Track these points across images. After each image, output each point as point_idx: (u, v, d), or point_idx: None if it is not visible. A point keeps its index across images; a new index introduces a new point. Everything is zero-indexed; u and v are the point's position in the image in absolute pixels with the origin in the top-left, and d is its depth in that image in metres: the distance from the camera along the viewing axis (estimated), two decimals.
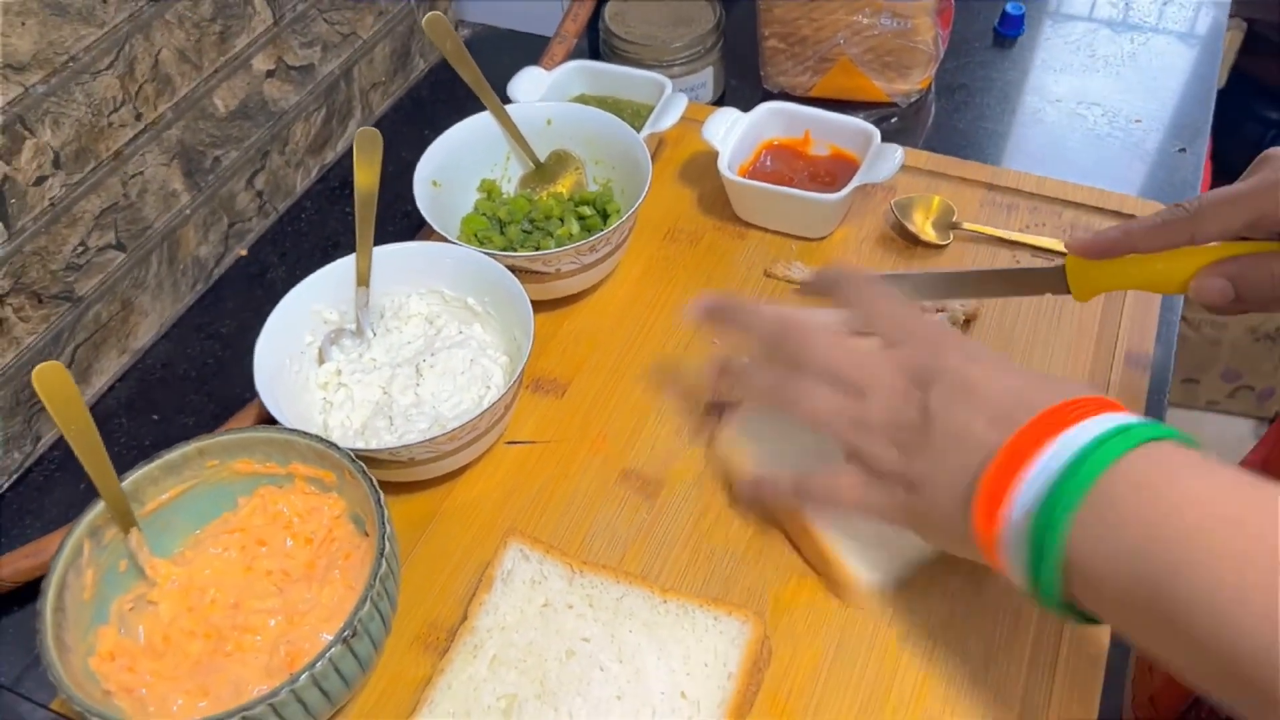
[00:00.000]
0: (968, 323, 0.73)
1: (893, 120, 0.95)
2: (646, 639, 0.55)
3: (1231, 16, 1.40)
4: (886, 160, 0.77)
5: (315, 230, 0.90)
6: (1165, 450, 0.45)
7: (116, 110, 0.72)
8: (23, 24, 0.64)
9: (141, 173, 0.75)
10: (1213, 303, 0.58)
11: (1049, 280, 0.64)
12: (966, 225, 0.79)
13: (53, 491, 0.72)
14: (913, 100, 0.96)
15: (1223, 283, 0.57)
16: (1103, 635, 0.57)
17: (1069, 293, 0.62)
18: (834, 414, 0.55)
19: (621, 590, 0.57)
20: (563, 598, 0.57)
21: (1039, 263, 0.77)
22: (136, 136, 0.74)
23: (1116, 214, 0.80)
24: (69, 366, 0.74)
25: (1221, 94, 1.06)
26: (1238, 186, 0.57)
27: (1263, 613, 0.39)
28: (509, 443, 0.69)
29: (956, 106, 0.97)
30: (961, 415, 0.50)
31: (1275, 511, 0.41)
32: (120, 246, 0.75)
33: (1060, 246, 0.77)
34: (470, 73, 0.78)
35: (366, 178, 0.70)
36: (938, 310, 0.73)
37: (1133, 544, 0.43)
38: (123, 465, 0.57)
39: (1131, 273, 0.60)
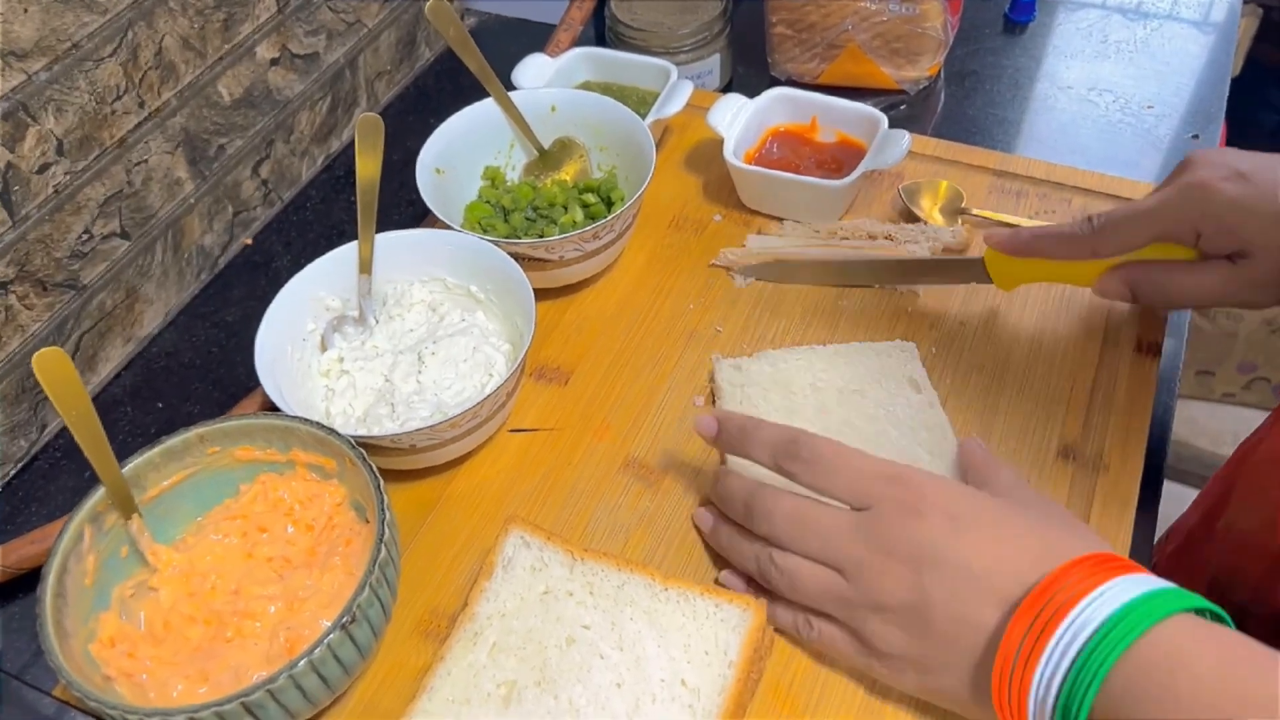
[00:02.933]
0: (960, 252, 0.75)
1: (901, 107, 0.95)
2: (647, 626, 0.55)
3: (1247, 3, 1.38)
4: (893, 146, 0.76)
5: (320, 219, 0.90)
6: (1166, 635, 0.44)
7: (120, 98, 0.72)
8: (25, 11, 0.64)
9: (145, 160, 0.75)
10: (1115, 298, 0.64)
11: (971, 270, 0.68)
12: (975, 211, 0.78)
13: (58, 478, 0.72)
14: (922, 87, 0.95)
15: (1120, 286, 0.63)
16: None
17: (991, 282, 0.68)
18: (820, 593, 0.54)
19: (622, 578, 0.57)
20: (563, 585, 0.57)
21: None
22: (140, 124, 0.74)
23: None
24: (74, 354, 0.74)
25: (1236, 81, 1.05)
26: (1143, 205, 0.60)
27: None
28: (512, 430, 0.68)
29: (966, 93, 0.96)
30: (960, 599, 0.49)
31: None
32: (125, 235, 0.75)
33: None
34: (474, 60, 0.77)
35: (368, 165, 0.69)
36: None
37: None
38: (127, 453, 0.57)
39: (1045, 269, 0.65)
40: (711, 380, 0.69)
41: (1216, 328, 1.73)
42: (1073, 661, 0.44)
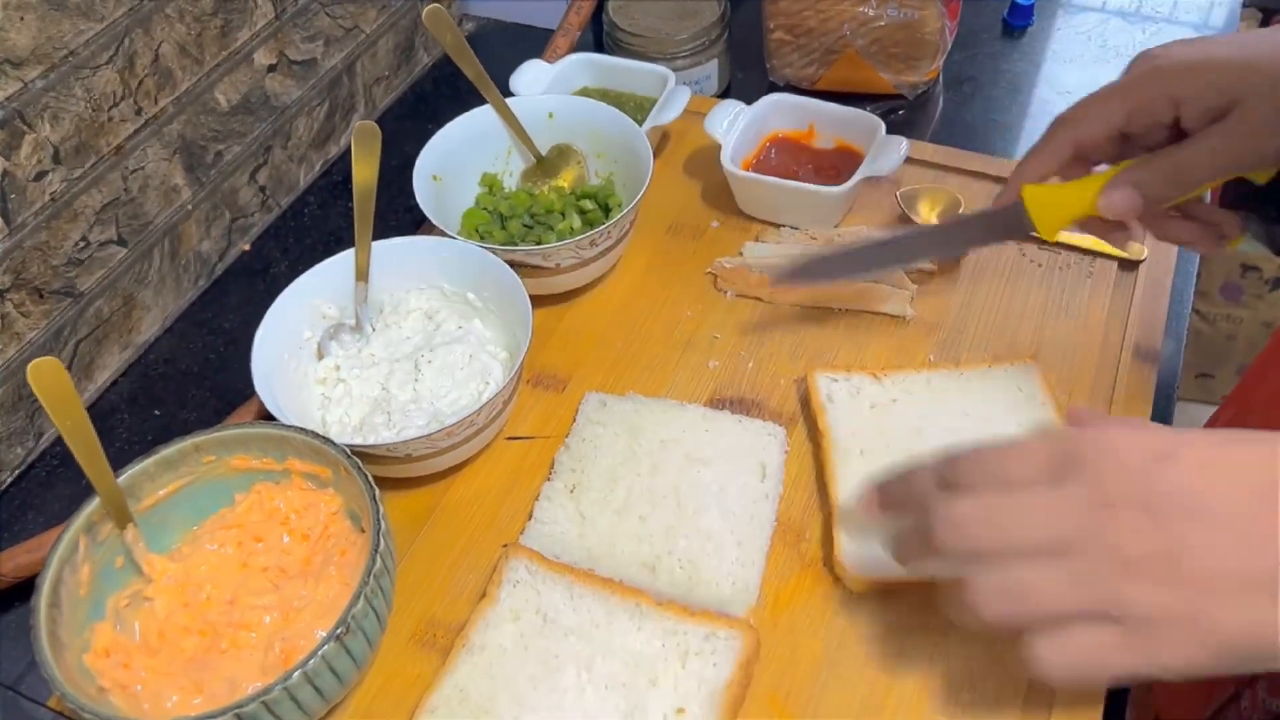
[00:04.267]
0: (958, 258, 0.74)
1: (900, 112, 0.94)
2: (641, 655, 0.55)
3: (1247, 6, 1.38)
4: (891, 152, 0.76)
5: (319, 225, 0.90)
6: None
7: (116, 105, 0.72)
8: (21, 19, 0.64)
9: (142, 168, 0.75)
10: (1123, 212, 0.58)
11: (1013, 221, 0.62)
12: None
13: (55, 487, 0.72)
14: (920, 92, 0.95)
15: (1126, 190, 0.57)
16: None
17: (1035, 231, 0.62)
18: (1057, 587, 0.44)
19: (618, 604, 0.57)
20: (559, 614, 0.57)
21: (1045, 255, 0.76)
22: (137, 131, 0.74)
23: None
24: (71, 362, 0.74)
25: None
26: (1110, 86, 0.58)
27: None
28: (509, 438, 0.68)
29: (965, 98, 0.96)
30: (1215, 522, 0.43)
31: None
32: (122, 242, 0.75)
33: (1069, 240, 0.75)
34: (471, 66, 0.77)
35: (365, 172, 0.69)
36: None
37: None
38: (124, 460, 0.57)
39: (1079, 201, 0.60)
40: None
41: (1216, 330, 1.73)
42: None
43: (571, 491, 0.64)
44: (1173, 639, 0.43)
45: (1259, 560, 0.41)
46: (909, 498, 0.51)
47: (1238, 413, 0.74)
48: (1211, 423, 0.78)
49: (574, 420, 0.68)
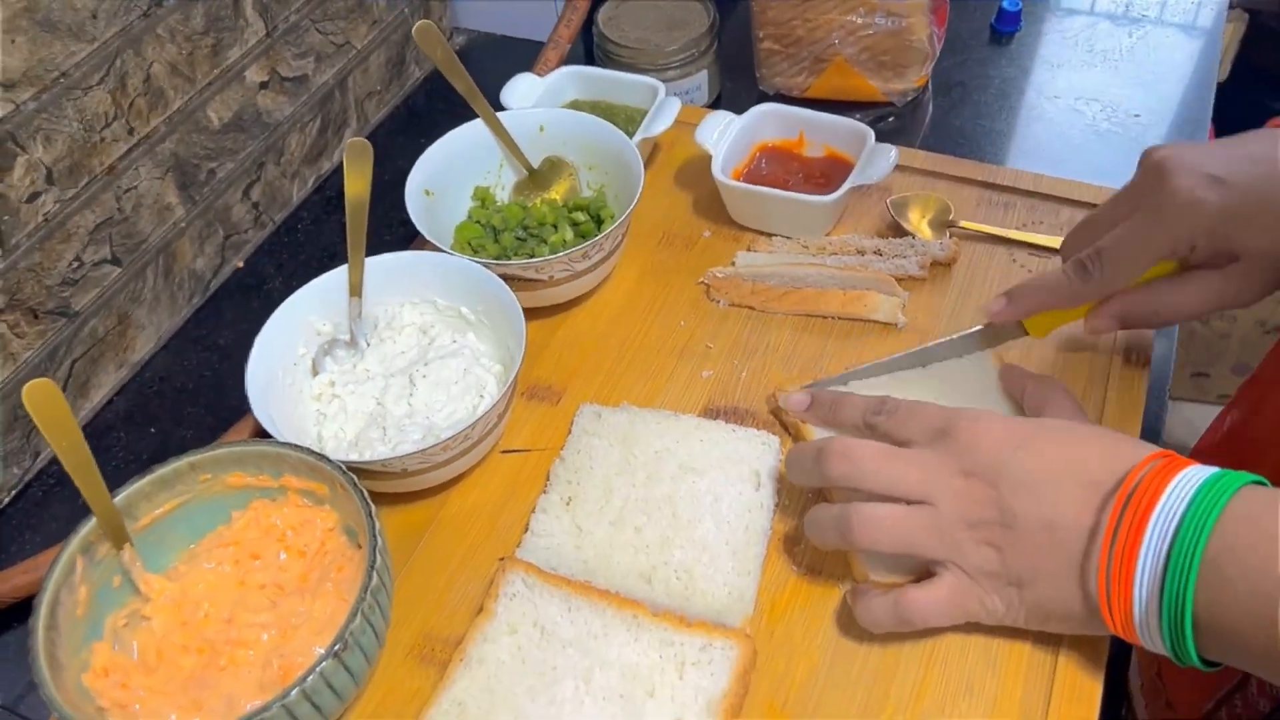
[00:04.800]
0: (949, 265, 0.76)
1: (890, 119, 0.95)
2: (640, 664, 0.55)
3: (1234, 7, 1.39)
4: (880, 160, 0.76)
5: (312, 241, 0.90)
6: (1255, 496, 0.47)
7: (109, 125, 0.72)
8: (13, 42, 0.64)
9: (135, 187, 0.75)
10: (1104, 333, 0.66)
11: (1010, 332, 0.68)
12: (963, 223, 0.78)
13: (52, 507, 0.72)
14: (910, 99, 0.95)
15: (1110, 322, 0.64)
16: (1102, 642, 0.57)
17: (1026, 334, 0.68)
18: (912, 529, 0.54)
19: (615, 616, 0.57)
20: (556, 627, 0.57)
21: (1035, 260, 0.76)
22: (130, 151, 0.74)
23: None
24: (66, 381, 0.74)
25: (1225, 85, 1.05)
26: (1133, 234, 0.59)
27: None
28: (504, 451, 0.68)
29: (954, 104, 0.96)
30: (1043, 504, 0.52)
31: None
32: (116, 261, 0.75)
33: (1055, 243, 0.76)
34: (462, 81, 0.78)
35: (357, 188, 0.70)
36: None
37: (1252, 592, 0.45)
38: (121, 479, 0.57)
39: (1065, 314, 0.66)
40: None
41: (1210, 330, 1.73)
42: (1172, 540, 0.47)
43: (567, 504, 0.64)
44: (997, 590, 0.54)
45: (1069, 542, 0.51)
46: (832, 419, 0.63)
47: (1246, 414, 0.75)
48: (1217, 424, 0.78)
49: (569, 432, 0.68)
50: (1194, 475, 0.48)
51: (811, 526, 0.58)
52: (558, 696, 0.54)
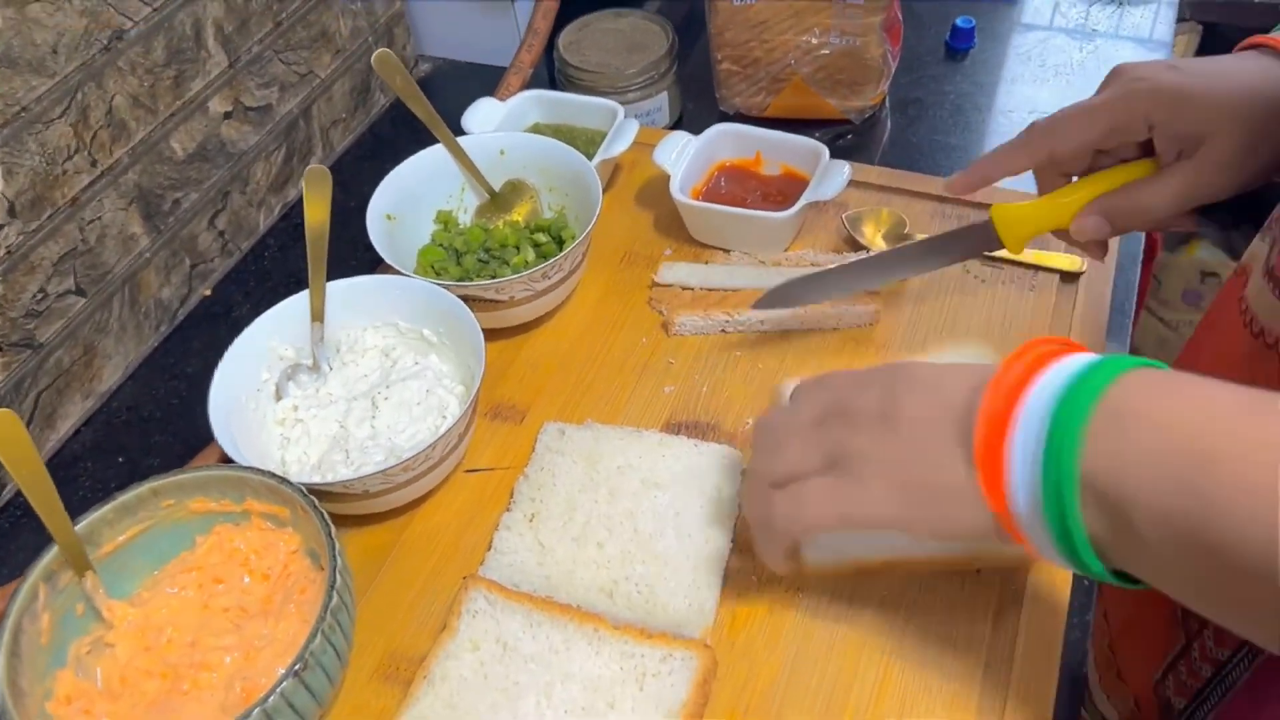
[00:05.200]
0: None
1: (849, 137, 0.97)
2: (600, 678, 0.56)
3: (1187, 20, 1.42)
4: (834, 177, 0.78)
5: (279, 268, 0.91)
6: (1155, 370, 0.43)
7: (71, 158, 0.73)
8: None
9: (99, 218, 0.76)
10: (1094, 236, 0.63)
11: (980, 238, 0.67)
12: (918, 236, 0.80)
13: (18, 537, 0.72)
14: (867, 116, 0.97)
15: (1097, 221, 0.63)
16: (1057, 636, 0.58)
17: (1001, 246, 0.67)
18: (796, 445, 0.52)
19: (576, 630, 0.58)
20: (518, 642, 0.58)
21: (989, 270, 0.78)
22: (93, 182, 0.75)
23: None
24: (32, 413, 0.74)
25: None
26: (1090, 100, 0.61)
27: None
28: (467, 471, 0.69)
29: (910, 121, 0.98)
30: (930, 394, 0.49)
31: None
32: (80, 292, 0.76)
33: (1010, 255, 0.77)
34: (421, 108, 0.79)
35: (317, 214, 0.70)
36: None
37: (1153, 449, 0.40)
38: (88, 509, 0.58)
39: (1044, 215, 0.65)
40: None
41: (1179, 336, 1.76)
42: (1058, 399, 0.42)
43: (530, 521, 0.65)
44: (870, 481, 0.49)
45: (949, 413, 0.47)
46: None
47: None
48: None
49: (533, 450, 0.69)
50: (1081, 356, 0.45)
51: (761, 553, 0.56)
52: (520, 711, 0.55)
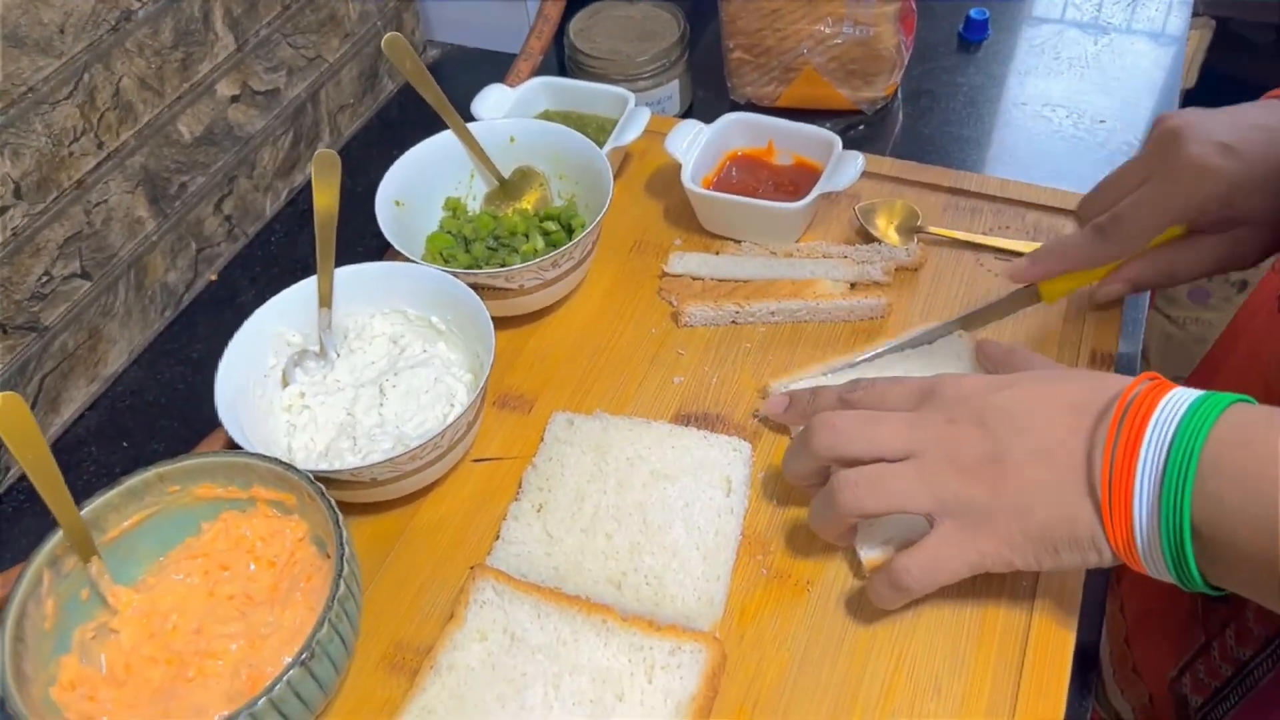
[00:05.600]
0: (916, 270, 0.77)
1: (860, 128, 0.96)
2: (609, 670, 0.55)
3: (1200, 15, 1.41)
4: (847, 168, 0.77)
5: (286, 254, 0.90)
6: (1246, 409, 0.48)
7: (77, 139, 0.72)
8: None
9: (105, 201, 0.76)
10: (1115, 298, 0.69)
11: (1023, 299, 0.71)
12: (931, 229, 0.79)
13: (22, 522, 0.72)
14: (879, 107, 0.96)
15: (1124, 286, 0.68)
16: (1069, 635, 0.57)
17: (1039, 300, 0.71)
18: (893, 484, 0.54)
19: (585, 621, 0.57)
20: (526, 633, 0.57)
21: (1001, 264, 0.77)
22: (99, 165, 0.74)
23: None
24: (37, 396, 0.74)
25: (1192, 92, 1.07)
26: (1148, 200, 0.61)
27: None
28: (475, 460, 0.69)
29: (922, 112, 0.97)
30: (1033, 432, 0.52)
31: None
32: (86, 275, 0.75)
33: (1022, 247, 0.77)
34: (431, 93, 0.78)
35: (325, 199, 0.70)
36: None
37: (1249, 497, 0.44)
38: (92, 494, 0.57)
39: (1078, 278, 0.69)
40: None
41: (1186, 334, 1.75)
42: (1168, 449, 0.47)
43: (539, 511, 0.64)
44: (995, 529, 0.52)
45: (1068, 462, 0.50)
46: (812, 409, 0.62)
47: (1202, 382, 0.76)
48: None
49: (541, 440, 0.68)
50: (1185, 394, 0.49)
51: (812, 517, 0.59)
52: (527, 702, 0.54)
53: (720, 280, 0.77)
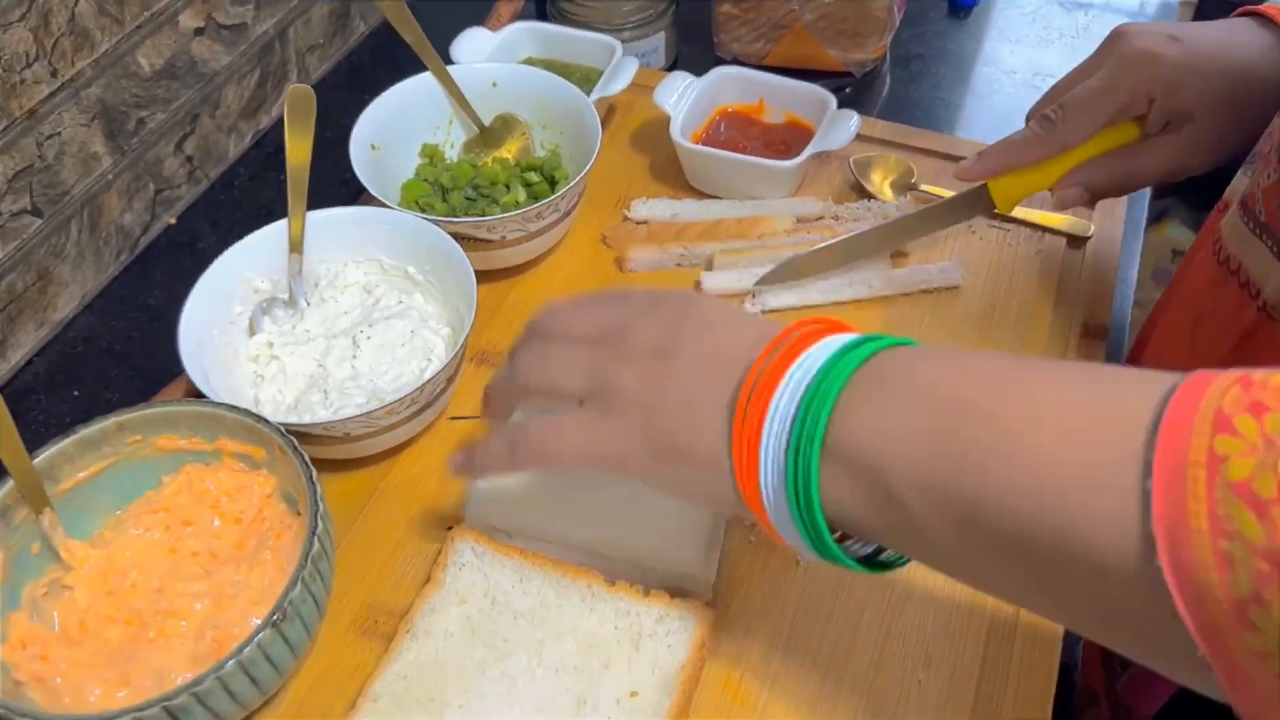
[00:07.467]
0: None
1: (847, 90, 0.94)
2: (594, 638, 0.53)
3: None
4: (842, 127, 0.75)
5: (249, 199, 0.86)
6: (921, 346, 0.43)
7: (29, 66, 0.67)
8: None
9: (59, 133, 0.71)
10: (1073, 205, 0.65)
11: (975, 203, 0.68)
12: (924, 187, 0.77)
13: None
14: (868, 69, 0.94)
15: (1077, 191, 0.64)
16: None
17: (994, 208, 0.68)
18: (565, 362, 0.48)
19: (570, 585, 0.55)
20: (508, 597, 0.55)
21: (995, 232, 0.76)
22: (53, 94, 0.70)
23: None
24: None
25: None
26: (1095, 87, 0.61)
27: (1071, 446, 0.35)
28: (452, 418, 0.66)
29: (912, 76, 0.95)
30: (713, 340, 0.45)
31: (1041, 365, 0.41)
32: (36, 212, 0.71)
33: (1018, 214, 0.75)
34: (411, 32, 0.74)
35: (299, 139, 0.66)
36: None
37: (907, 408, 0.39)
38: (40, 443, 0.54)
39: (1034, 180, 0.66)
40: None
41: (1147, 314, 1.77)
42: (820, 370, 0.41)
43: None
44: (620, 419, 0.45)
45: (723, 371, 0.44)
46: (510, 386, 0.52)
47: (1133, 357, 0.76)
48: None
49: None
50: (855, 335, 0.43)
51: (479, 457, 0.51)
52: (509, 669, 0.52)
53: (665, 224, 0.76)
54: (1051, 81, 0.92)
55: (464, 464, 0.52)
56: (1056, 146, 0.63)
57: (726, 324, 0.46)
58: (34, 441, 0.54)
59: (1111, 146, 0.63)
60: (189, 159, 0.83)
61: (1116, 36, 0.62)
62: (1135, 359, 0.74)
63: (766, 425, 0.41)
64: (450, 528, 0.59)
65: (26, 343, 0.73)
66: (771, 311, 0.71)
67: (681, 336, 0.46)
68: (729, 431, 0.43)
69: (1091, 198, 0.65)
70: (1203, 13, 1.43)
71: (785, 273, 0.71)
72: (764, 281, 0.71)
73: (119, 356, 0.75)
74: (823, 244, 0.71)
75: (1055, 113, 0.62)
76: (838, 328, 0.44)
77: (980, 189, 0.67)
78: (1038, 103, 0.67)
